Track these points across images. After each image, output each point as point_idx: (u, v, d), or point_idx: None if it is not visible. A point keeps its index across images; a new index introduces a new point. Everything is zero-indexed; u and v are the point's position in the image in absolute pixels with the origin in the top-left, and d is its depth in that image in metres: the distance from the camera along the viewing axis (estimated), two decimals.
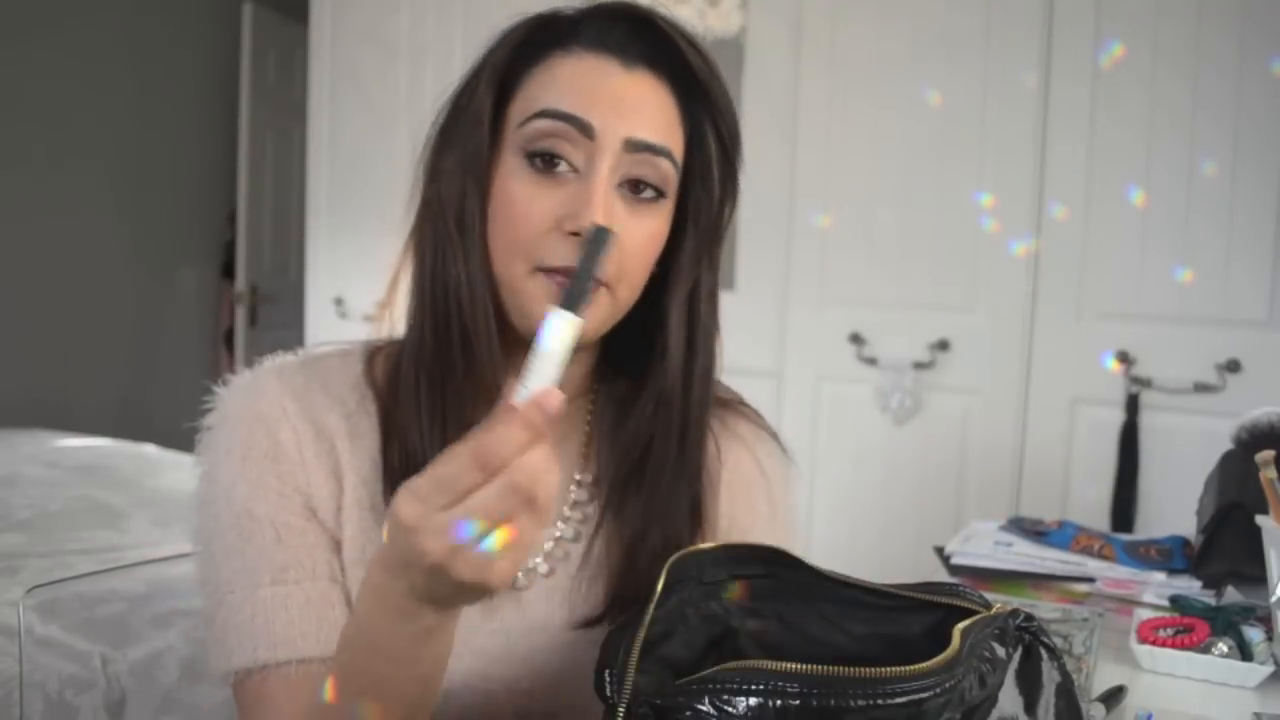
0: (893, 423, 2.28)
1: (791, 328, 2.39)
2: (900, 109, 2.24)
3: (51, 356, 3.36)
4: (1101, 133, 2.05)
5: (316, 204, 3.17)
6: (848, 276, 2.33)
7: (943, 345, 2.22)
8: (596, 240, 0.52)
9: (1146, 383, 2.03)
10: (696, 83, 0.72)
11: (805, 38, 2.35)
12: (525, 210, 0.67)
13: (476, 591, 0.53)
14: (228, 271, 3.92)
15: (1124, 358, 2.04)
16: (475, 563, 0.51)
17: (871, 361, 2.30)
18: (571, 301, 0.52)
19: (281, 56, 3.78)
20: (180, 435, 3.15)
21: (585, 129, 0.67)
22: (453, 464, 0.50)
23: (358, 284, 3.06)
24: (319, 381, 0.75)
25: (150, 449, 2.50)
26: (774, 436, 0.87)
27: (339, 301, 3.12)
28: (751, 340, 2.39)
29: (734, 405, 0.86)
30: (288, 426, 0.72)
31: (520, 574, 0.75)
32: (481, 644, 0.73)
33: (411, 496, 0.51)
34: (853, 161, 2.30)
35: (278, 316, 3.81)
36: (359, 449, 0.73)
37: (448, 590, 0.53)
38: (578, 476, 0.79)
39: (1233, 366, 1.95)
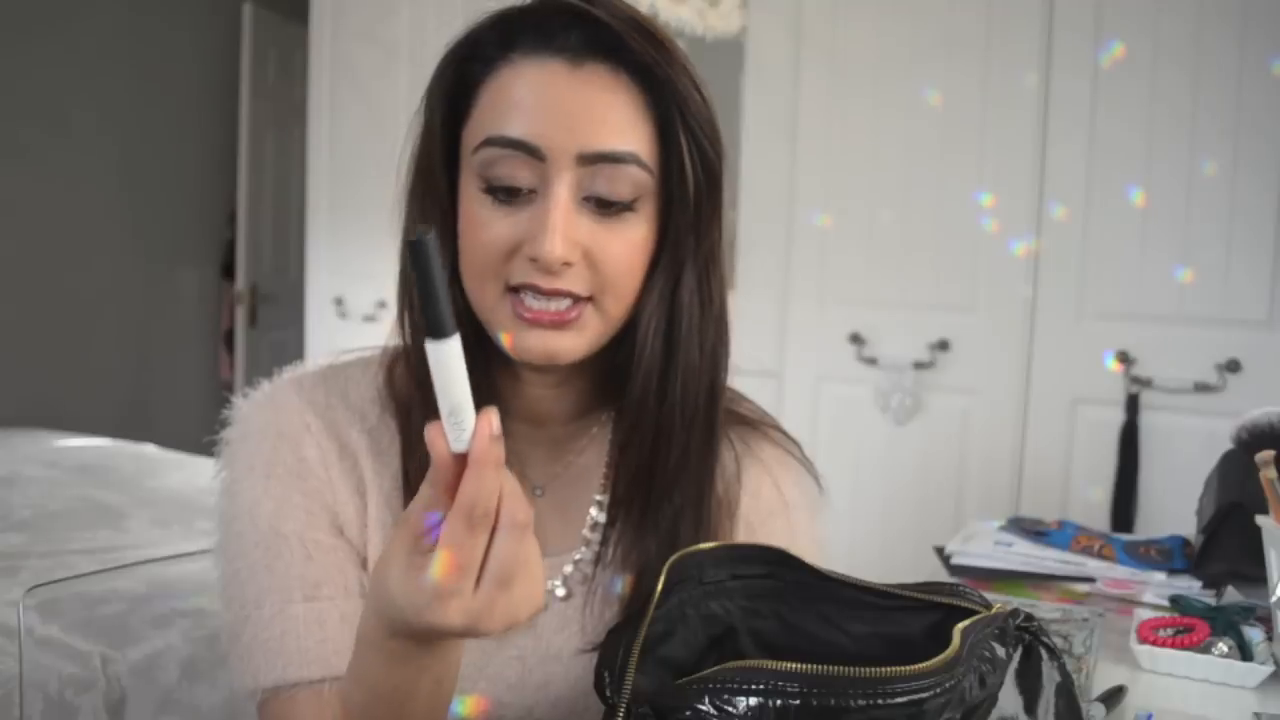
0: (893, 423, 2.28)
1: (791, 328, 2.39)
2: (900, 109, 2.24)
3: (52, 356, 3.36)
4: (1102, 132, 2.05)
5: (316, 204, 3.17)
6: (848, 276, 2.33)
7: (943, 345, 2.22)
8: (416, 256, 0.46)
9: (1146, 383, 2.03)
10: (651, 71, 0.65)
11: (805, 38, 2.35)
12: (488, 236, 0.64)
13: (508, 629, 0.52)
14: (228, 271, 3.92)
15: (1124, 358, 2.04)
16: (504, 614, 0.51)
17: (871, 361, 2.30)
18: (432, 328, 0.47)
19: (281, 56, 3.79)
20: (180, 435, 3.15)
21: (534, 152, 0.63)
22: (452, 542, 0.49)
23: (358, 284, 3.06)
24: (339, 395, 0.73)
25: (150, 449, 2.51)
26: (803, 463, 0.82)
27: (339, 301, 3.12)
28: (751, 340, 2.39)
29: (759, 426, 0.81)
30: (311, 443, 0.71)
31: None
32: (497, 671, 0.72)
33: (439, 601, 0.49)
34: (853, 161, 2.30)
35: (278, 316, 3.81)
36: (382, 465, 0.72)
37: (477, 638, 0.54)
38: (598, 498, 0.76)
39: (1233, 366, 1.95)
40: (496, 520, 0.49)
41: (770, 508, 0.79)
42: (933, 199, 2.22)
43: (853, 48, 2.30)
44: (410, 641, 0.54)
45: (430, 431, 0.49)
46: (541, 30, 0.65)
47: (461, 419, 0.48)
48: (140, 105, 3.58)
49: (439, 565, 0.48)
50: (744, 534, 0.78)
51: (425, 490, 0.51)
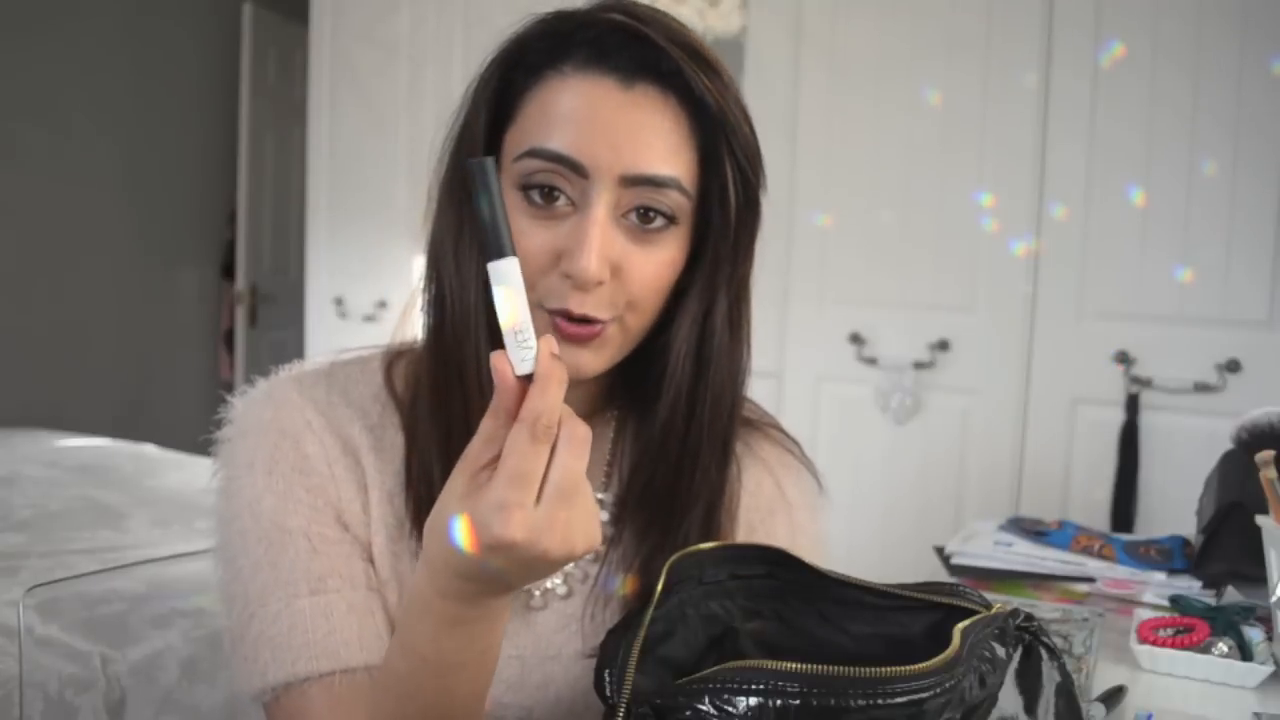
0: (893, 423, 2.28)
1: (791, 328, 2.39)
2: (900, 108, 2.24)
3: (52, 356, 3.36)
4: (1102, 132, 2.05)
5: (316, 204, 3.17)
6: (848, 276, 2.33)
7: (943, 345, 2.22)
8: (479, 179, 0.50)
9: (1146, 383, 2.03)
10: (701, 99, 0.66)
11: (805, 38, 2.35)
12: (524, 247, 0.63)
13: (565, 557, 0.52)
14: (228, 271, 3.92)
15: (1124, 358, 2.04)
16: (563, 535, 0.51)
17: (871, 361, 2.30)
18: (494, 250, 0.51)
19: (281, 56, 3.79)
20: (180, 435, 3.15)
21: (577, 169, 0.63)
22: (515, 453, 0.50)
23: (358, 284, 3.07)
24: (339, 393, 0.73)
25: (150, 449, 2.51)
26: (803, 462, 0.83)
27: (339, 301, 3.12)
28: (752, 340, 2.38)
29: (761, 427, 0.82)
30: (313, 439, 0.70)
31: (537, 593, 0.74)
32: (495, 670, 0.72)
33: (503, 512, 0.49)
34: (853, 161, 2.30)
35: (278, 316, 3.81)
36: (384, 463, 0.71)
37: (543, 571, 0.53)
38: (600, 496, 0.76)
39: (1233, 366, 1.95)
40: (557, 437, 0.51)
41: (771, 506, 0.80)
42: (933, 199, 2.22)
43: (853, 48, 2.30)
44: (461, 603, 0.55)
45: (495, 359, 0.51)
46: (595, 46, 0.65)
47: (526, 337, 0.51)
48: (140, 105, 3.58)
49: (502, 474, 0.50)
50: (744, 533, 0.78)
51: (487, 422, 0.52)
